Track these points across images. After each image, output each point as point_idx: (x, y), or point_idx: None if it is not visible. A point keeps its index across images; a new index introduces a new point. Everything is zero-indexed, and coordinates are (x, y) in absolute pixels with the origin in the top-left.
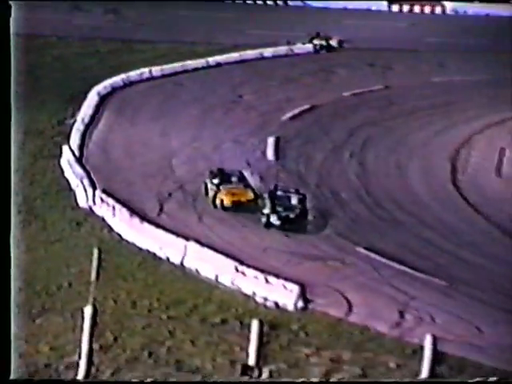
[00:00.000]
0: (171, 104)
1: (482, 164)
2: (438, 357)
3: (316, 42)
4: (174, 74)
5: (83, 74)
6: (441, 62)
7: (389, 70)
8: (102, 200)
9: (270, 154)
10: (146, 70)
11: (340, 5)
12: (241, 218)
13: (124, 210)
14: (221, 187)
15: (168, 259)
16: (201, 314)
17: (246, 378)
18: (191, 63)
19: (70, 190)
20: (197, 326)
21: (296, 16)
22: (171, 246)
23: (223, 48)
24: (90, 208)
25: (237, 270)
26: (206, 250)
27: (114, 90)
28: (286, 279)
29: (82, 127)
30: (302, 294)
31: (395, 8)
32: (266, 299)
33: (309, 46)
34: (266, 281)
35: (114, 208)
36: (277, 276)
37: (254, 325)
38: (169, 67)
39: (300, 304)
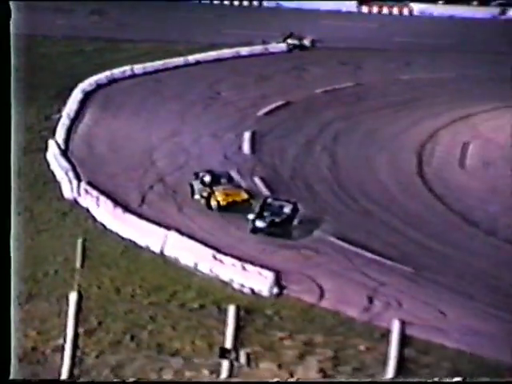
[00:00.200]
0: (152, 100)
1: (446, 157)
2: (404, 340)
3: (290, 41)
4: (155, 72)
5: (69, 72)
6: (408, 61)
7: (359, 68)
8: (86, 192)
9: (247, 147)
10: (128, 67)
11: (312, 6)
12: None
13: (107, 201)
14: (214, 188)
15: (149, 248)
16: (180, 300)
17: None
18: (171, 61)
19: (56, 182)
20: (177, 311)
21: (270, 16)
22: (152, 236)
23: (201, 47)
24: (75, 199)
25: (215, 258)
26: (185, 239)
27: (99, 86)
28: (261, 267)
29: (67, 122)
30: (277, 281)
31: (365, 9)
32: (242, 286)
33: (283, 46)
34: (243, 268)
35: (97, 199)
36: (253, 264)
37: (231, 310)
38: (150, 65)
39: (275, 290)
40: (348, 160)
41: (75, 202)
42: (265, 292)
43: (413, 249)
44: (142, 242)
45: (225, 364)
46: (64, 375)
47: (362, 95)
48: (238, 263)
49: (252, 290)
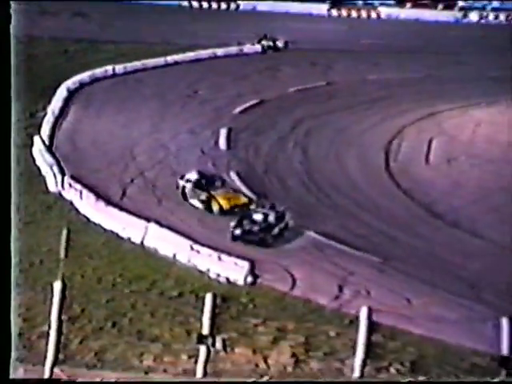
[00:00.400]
0: (133, 98)
1: (412, 153)
2: (372, 326)
3: (264, 42)
4: (136, 72)
5: (53, 71)
6: (376, 62)
7: (330, 68)
8: (70, 185)
9: (223, 143)
10: (110, 67)
11: (285, 9)
12: None
13: (90, 194)
14: (212, 192)
15: (130, 239)
16: (160, 289)
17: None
18: (151, 62)
19: (41, 176)
20: (156, 299)
21: (245, 19)
22: (133, 227)
23: (179, 48)
24: (60, 193)
25: (192, 249)
26: (164, 230)
27: (82, 85)
28: (237, 257)
29: (52, 119)
30: (251, 270)
31: (335, 13)
32: (218, 275)
33: (257, 47)
34: (219, 258)
35: (81, 192)
36: (229, 254)
37: (208, 298)
38: (131, 65)
39: (249, 279)
40: (319, 156)
41: (60, 195)
42: (240, 281)
43: (381, 240)
44: (123, 234)
45: (202, 349)
46: (49, 360)
47: (332, 94)
48: (214, 253)
49: (228, 279)
